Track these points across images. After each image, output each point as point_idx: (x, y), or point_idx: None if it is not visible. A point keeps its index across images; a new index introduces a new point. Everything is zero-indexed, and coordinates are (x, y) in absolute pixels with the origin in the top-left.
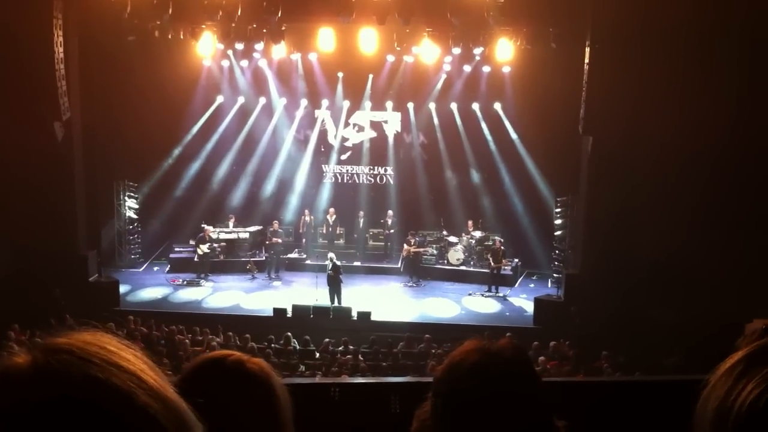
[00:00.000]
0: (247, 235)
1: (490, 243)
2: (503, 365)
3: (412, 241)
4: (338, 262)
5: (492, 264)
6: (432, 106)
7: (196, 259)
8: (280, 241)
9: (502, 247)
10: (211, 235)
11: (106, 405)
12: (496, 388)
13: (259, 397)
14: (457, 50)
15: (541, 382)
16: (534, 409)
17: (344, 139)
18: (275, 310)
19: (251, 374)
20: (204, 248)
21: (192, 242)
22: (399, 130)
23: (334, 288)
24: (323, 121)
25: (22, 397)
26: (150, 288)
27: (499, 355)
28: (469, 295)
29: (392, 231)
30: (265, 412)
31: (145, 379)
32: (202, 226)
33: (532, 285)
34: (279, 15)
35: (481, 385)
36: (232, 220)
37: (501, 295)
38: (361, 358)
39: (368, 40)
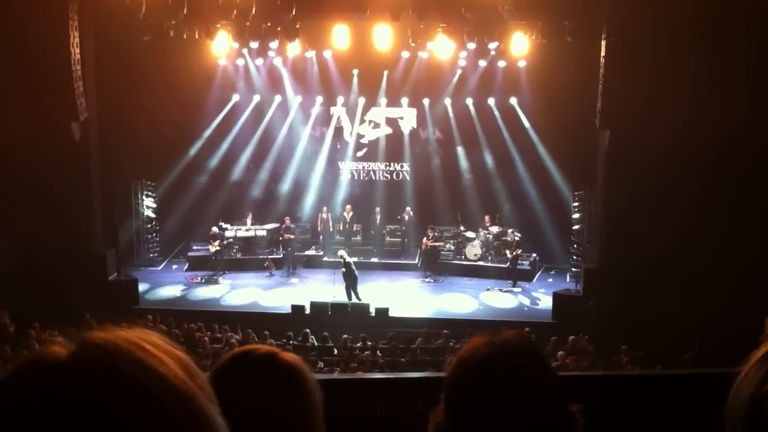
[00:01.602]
0: (264, 233)
1: (508, 237)
2: (511, 356)
3: (431, 235)
4: (349, 259)
5: (508, 255)
6: (447, 101)
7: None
8: (293, 237)
9: (516, 238)
10: (220, 232)
11: (130, 407)
12: (506, 380)
13: (291, 390)
14: (471, 45)
15: (551, 368)
16: (547, 397)
17: (360, 136)
18: (293, 307)
19: (283, 367)
20: (215, 245)
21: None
22: (414, 126)
23: (350, 284)
24: (339, 118)
25: (52, 387)
26: (169, 286)
27: (506, 347)
28: (487, 290)
29: (408, 227)
30: (296, 406)
31: (175, 384)
32: (213, 227)
33: (550, 279)
34: (293, 13)
35: (491, 378)
36: (250, 218)
37: (517, 290)
38: (379, 354)
39: (383, 36)
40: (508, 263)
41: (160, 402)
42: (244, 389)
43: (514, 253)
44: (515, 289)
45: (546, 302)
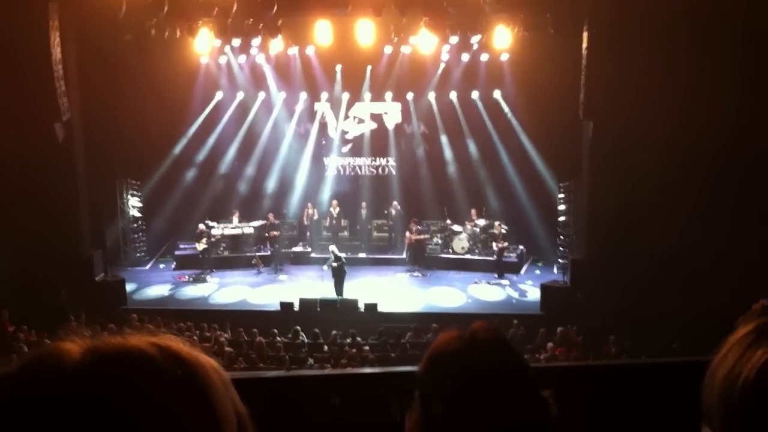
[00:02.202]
0: (251, 230)
1: (495, 230)
2: (481, 348)
3: (414, 228)
4: (341, 254)
5: (494, 248)
6: (431, 95)
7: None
8: (278, 233)
9: (503, 231)
10: (207, 230)
11: (135, 409)
12: (477, 372)
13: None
14: (454, 39)
15: (522, 358)
16: (518, 386)
17: (345, 132)
18: (282, 304)
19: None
20: (202, 243)
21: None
22: (399, 121)
23: (339, 280)
24: (323, 114)
25: (62, 390)
26: (156, 285)
27: (475, 339)
28: (475, 283)
29: (395, 221)
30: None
31: (186, 399)
32: (200, 224)
33: (537, 272)
34: (275, 9)
35: (463, 371)
36: (236, 216)
37: (505, 282)
38: (369, 350)
39: (365, 31)
40: (495, 255)
41: (175, 419)
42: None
43: (500, 245)
44: (503, 282)
45: (534, 294)
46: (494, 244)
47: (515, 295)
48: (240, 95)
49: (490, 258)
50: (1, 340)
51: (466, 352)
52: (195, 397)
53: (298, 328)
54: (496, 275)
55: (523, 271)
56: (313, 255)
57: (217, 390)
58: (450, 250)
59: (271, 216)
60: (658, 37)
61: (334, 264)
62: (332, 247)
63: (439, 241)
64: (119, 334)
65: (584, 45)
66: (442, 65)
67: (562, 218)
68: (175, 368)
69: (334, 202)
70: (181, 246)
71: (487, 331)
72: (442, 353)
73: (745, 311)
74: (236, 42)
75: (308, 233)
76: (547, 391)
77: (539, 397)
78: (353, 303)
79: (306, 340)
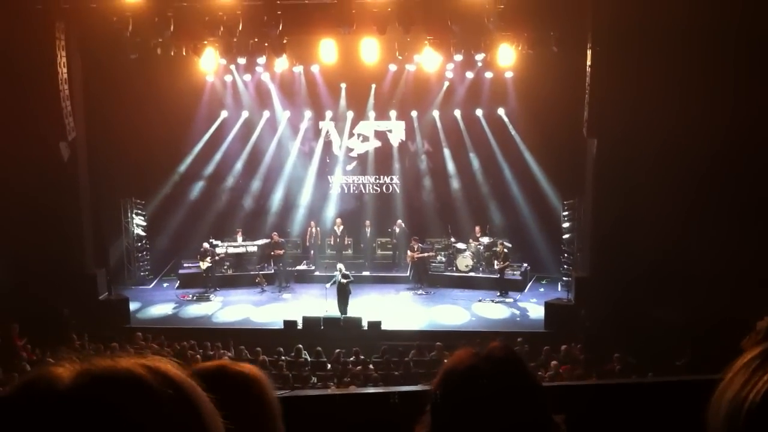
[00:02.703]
0: (255, 249)
1: (497, 248)
2: (495, 366)
3: (416, 246)
4: (347, 272)
5: (495, 266)
6: (435, 113)
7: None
8: (282, 252)
9: (505, 250)
10: (211, 249)
11: None
12: (490, 390)
13: (242, 401)
14: (458, 57)
15: (536, 378)
16: (530, 406)
17: (349, 150)
18: (285, 322)
19: (232, 378)
20: (206, 262)
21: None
22: (403, 139)
23: (343, 298)
24: (327, 132)
25: (53, 414)
26: (160, 304)
27: (490, 358)
28: (479, 301)
29: (399, 239)
30: (248, 417)
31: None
32: (204, 243)
33: (542, 289)
34: (280, 28)
35: (475, 388)
36: (240, 234)
37: (509, 300)
38: (372, 368)
39: (370, 50)
40: (497, 274)
41: None
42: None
43: (501, 264)
44: (507, 300)
45: (538, 312)
46: (495, 262)
47: (519, 312)
48: (245, 114)
49: (494, 276)
50: (10, 354)
51: (480, 370)
52: (186, 418)
53: (300, 346)
54: (498, 293)
55: (527, 288)
56: (316, 273)
57: (207, 410)
58: (454, 268)
59: (275, 235)
60: (661, 54)
61: (343, 281)
62: (340, 266)
63: (443, 259)
64: (110, 356)
65: (588, 62)
66: (446, 83)
67: (566, 236)
68: (166, 389)
69: (338, 220)
70: (185, 264)
71: (502, 351)
72: (456, 369)
73: (752, 327)
74: (241, 61)
75: (312, 251)
76: (560, 416)
77: (550, 420)
78: (357, 321)
79: (309, 359)
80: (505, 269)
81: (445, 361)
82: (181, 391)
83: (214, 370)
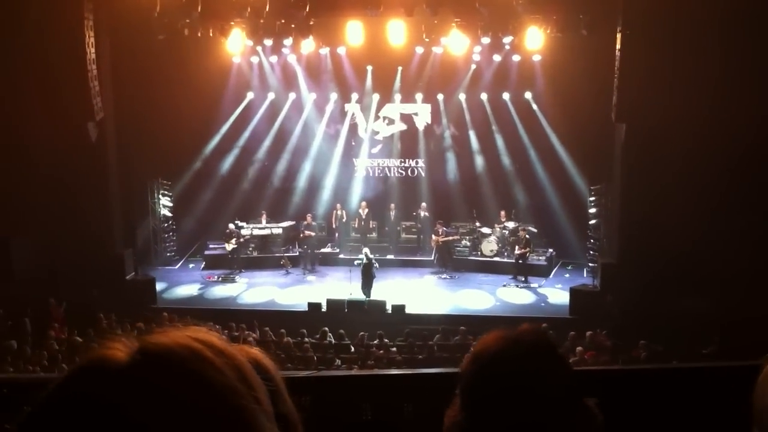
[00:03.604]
0: (279, 231)
1: (519, 234)
2: (526, 349)
3: (440, 230)
4: (372, 256)
5: (515, 252)
6: (462, 96)
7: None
8: (313, 234)
9: (527, 235)
10: (237, 230)
11: (180, 423)
12: (521, 374)
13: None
14: (486, 40)
15: (566, 362)
16: (561, 390)
17: (375, 133)
18: (310, 304)
19: None
20: (231, 243)
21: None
22: (429, 122)
23: (367, 281)
24: (353, 114)
25: (109, 395)
26: (186, 285)
27: (520, 341)
28: (504, 286)
29: (424, 223)
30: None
31: (231, 401)
32: (229, 225)
33: (567, 275)
34: (307, 10)
35: (506, 371)
36: (264, 216)
37: (534, 285)
38: (395, 351)
39: (396, 32)
40: (517, 259)
41: (212, 419)
42: None
43: (521, 250)
44: (532, 285)
45: (563, 298)
46: (516, 248)
47: (544, 298)
48: (271, 95)
49: (514, 261)
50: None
51: (510, 353)
52: (238, 389)
53: (326, 329)
54: (517, 278)
55: (552, 274)
56: (341, 256)
57: (255, 380)
58: (478, 253)
59: (309, 217)
60: (692, 37)
61: (369, 268)
62: (366, 249)
63: (468, 243)
64: (155, 331)
65: (617, 46)
66: (473, 66)
67: (592, 221)
68: (221, 359)
69: (363, 203)
70: (211, 246)
71: (532, 334)
72: (485, 353)
73: None
74: (268, 42)
75: (336, 234)
76: (592, 400)
77: (582, 404)
78: (381, 304)
79: (333, 341)
80: (526, 255)
81: (474, 343)
82: (232, 360)
83: None
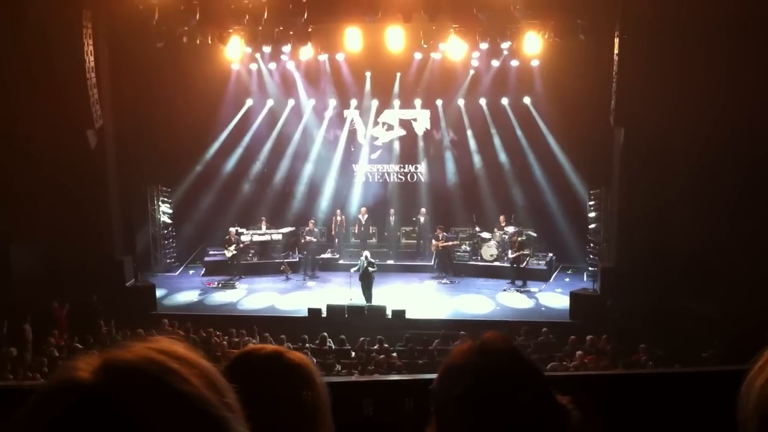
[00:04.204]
0: (279, 237)
1: (523, 238)
2: (496, 360)
3: (440, 235)
4: (373, 260)
5: (509, 256)
6: (461, 102)
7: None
8: (313, 240)
9: (519, 239)
10: (237, 236)
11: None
12: (492, 384)
13: (297, 388)
14: (484, 45)
15: (535, 366)
16: (532, 395)
17: (374, 138)
18: (310, 310)
19: (288, 365)
20: (231, 250)
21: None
22: (428, 128)
23: (367, 286)
24: (352, 120)
25: (75, 416)
26: (186, 291)
27: (486, 350)
28: (504, 290)
29: (423, 228)
30: (303, 404)
31: (202, 410)
32: (230, 229)
33: (567, 279)
34: (305, 17)
35: (476, 381)
36: (264, 222)
37: (534, 290)
38: (396, 356)
39: (395, 38)
40: (511, 263)
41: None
42: (250, 388)
43: (517, 253)
44: (532, 290)
45: (563, 302)
46: (509, 252)
47: (544, 302)
48: (270, 102)
49: (521, 265)
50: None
51: (478, 363)
52: (207, 398)
53: (325, 334)
54: (513, 282)
55: (552, 278)
56: (341, 261)
57: (224, 386)
58: (478, 257)
59: (311, 223)
60: (690, 42)
61: (369, 269)
62: (366, 253)
63: (468, 248)
64: (128, 350)
65: (615, 51)
66: (472, 72)
67: (592, 225)
68: (188, 388)
69: (363, 209)
70: (211, 252)
71: (500, 343)
72: (454, 367)
73: None
74: (267, 49)
75: (336, 240)
76: (566, 398)
77: (554, 403)
78: (381, 309)
79: (333, 347)
80: (521, 259)
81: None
82: (198, 367)
83: (269, 356)
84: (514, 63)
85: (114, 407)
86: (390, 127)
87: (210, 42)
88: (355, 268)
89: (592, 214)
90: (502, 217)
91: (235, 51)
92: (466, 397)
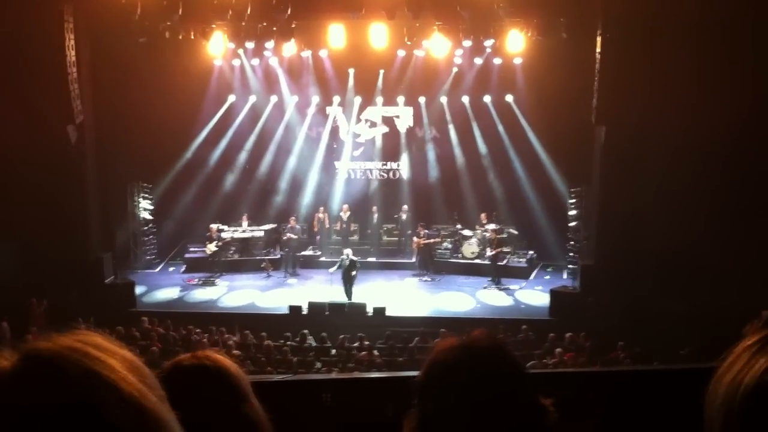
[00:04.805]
0: (261, 234)
1: (503, 235)
2: (480, 357)
3: (422, 233)
4: (355, 258)
5: (487, 253)
6: (444, 99)
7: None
8: (295, 237)
9: (497, 236)
10: (218, 233)
11: (78, 420)
12: (476, 381)
13: (217, 392)
14: (467, 43)
15: (520, 365)
16: (516, 394)
17: (356, 135)
18: (291, 307)
19: (209, 370)
20: (211, 247)
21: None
22: (411, 125)
23: (348, 284)
24: (335, 117)
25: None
26: (166, 288)
27: (474, 348)
28: (484, 288)
29: (405, 226)
30: (227, 407)
31: (122, 388)
32: (211, 226)
33: (547, 277)
34: (288, 13)
35: (462, 380)
36: (245, 219)
37: (514, 287)
38: (377, 354)
39: (378, 35)
40: (489, 261)
41: (110, 412)
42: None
43: (496, 251)
44: (512, 287)
45: (543, 299)
46: (488, 249)
47: (524, 300)
48: (252, 98)
49: (500, 263)
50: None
51: (464, 360)
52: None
53: (306, 331)
54: (491, 280)
55: (532, 276)
56: (322, 259)
57: (154, 387)
58: (460, 255)
59: (293, 220)
60: (671, 41)
61: (353, 273)
62: (347, 251)
63: (449, 246)
64: (47, 340)
65: (597, 49)
66: (455, 69)
67: (572, 223)
68: (109, 372)
69: (345, 206)
70: (191, 249)
71: (484, 339)
72: (439, 361)
73: (755, 315)
74: (249, 45)
75: (318, 237)
76: (548, 400)
77: (536, 403)
78: (362, 307)
79: (313, 344)
80: (500, 256)
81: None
82: (118, 354)
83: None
84: (497, 61)
85: (34, 392)
86: (373, 124)
87: (192, 37)
88: (334, 268)
89: (572, 212)
90: (483, 215)
91: (217, 47)
92: (449, 395)
